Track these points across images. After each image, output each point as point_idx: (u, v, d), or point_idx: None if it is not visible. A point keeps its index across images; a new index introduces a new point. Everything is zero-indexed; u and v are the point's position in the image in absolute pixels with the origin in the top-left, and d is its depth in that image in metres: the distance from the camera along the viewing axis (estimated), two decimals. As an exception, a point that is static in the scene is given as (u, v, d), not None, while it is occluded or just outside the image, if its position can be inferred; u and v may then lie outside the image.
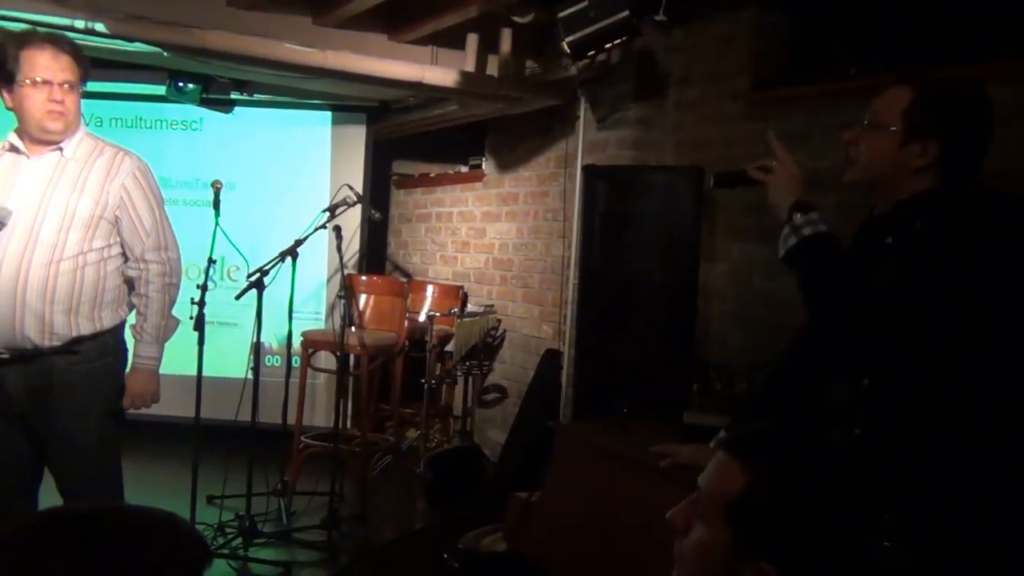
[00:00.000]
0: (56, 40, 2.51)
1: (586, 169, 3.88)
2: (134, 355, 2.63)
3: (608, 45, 3.70)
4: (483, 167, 5.55)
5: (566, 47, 3.67)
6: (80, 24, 3.58)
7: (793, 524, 1.02)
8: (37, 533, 0.88)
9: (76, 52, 2.52)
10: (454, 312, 4.84)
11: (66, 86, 2.46)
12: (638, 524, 2.29)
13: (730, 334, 3.61)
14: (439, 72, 4.35)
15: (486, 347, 5.07)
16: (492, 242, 5.41)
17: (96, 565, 0.84)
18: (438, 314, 4.52)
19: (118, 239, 2.58)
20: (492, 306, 5.19)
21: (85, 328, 2.52)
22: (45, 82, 2.44)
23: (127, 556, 0.86)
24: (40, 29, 2.62)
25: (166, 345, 2.69)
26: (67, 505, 0.90)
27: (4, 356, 2.50)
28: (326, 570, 3.66)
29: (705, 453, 1.61)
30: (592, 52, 3.76)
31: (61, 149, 2.52)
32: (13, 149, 2.53)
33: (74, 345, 2.52)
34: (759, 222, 3.48)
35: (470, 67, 4.43)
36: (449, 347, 4.84)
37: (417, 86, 4.43)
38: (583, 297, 3.76)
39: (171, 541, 0.92)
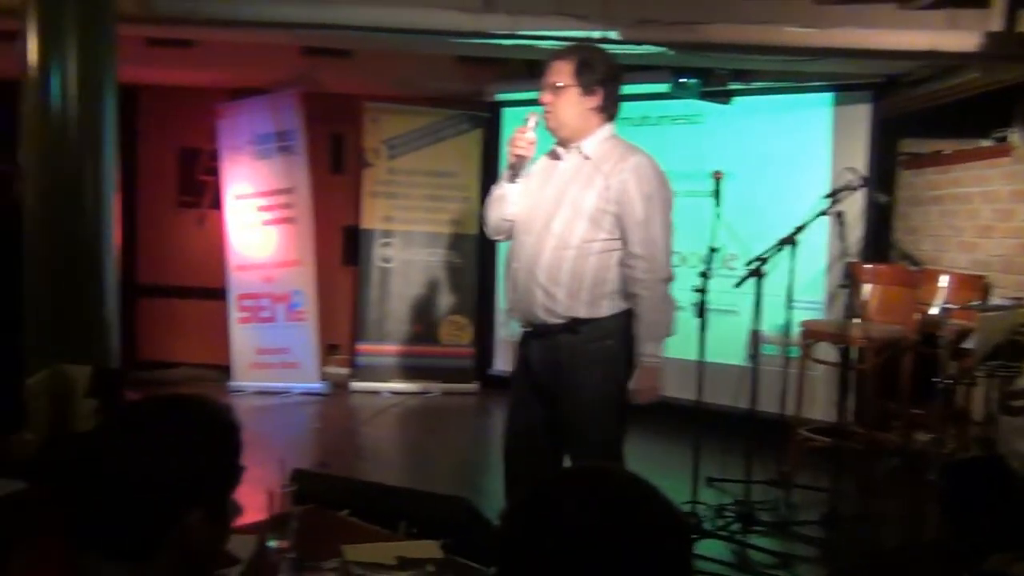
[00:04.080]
0: (560, 50, 2.84)
1: None
2: (638, 352, 2.77)
3: None
4: (1010, 140, 4.84)
5: None
6: (596, 35, 3.93)
7: None
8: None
9: (576, 59, 2.77)
10: (974, 305, 4.30)
11: (549, 89, 2.76)
12: None
13: None
14: (957, 37, 3.91)
15: (1014, 346, 4.43)
16: (1022, 225, 4.70)
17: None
18: (954, 307, 4.06)
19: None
20: (1023, 299, 4.51)
21: (583, 312, 2.75)
22: (542, 89, 2.80)
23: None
24: (559, 44, 2.94)
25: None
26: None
27: (528, 329, 2.88)
28: (824, 568, 3.55)
29: None
30: None
31: (581, 149, 2.80)
32: (554, 153, 2.90)
33: (575, 325, 2.77)
34: None
35: (996, 26, 3.89)
36: (968, 344, 4.33)
37: (930, 55, 4.04)
38: None
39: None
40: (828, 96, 5.28)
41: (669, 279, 2.78)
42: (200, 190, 6.93)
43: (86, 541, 1.22)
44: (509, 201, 2.89)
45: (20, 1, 3.46)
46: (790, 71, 4.87)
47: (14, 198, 3.67)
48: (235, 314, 6.43)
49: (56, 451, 2.36)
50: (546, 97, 2.79)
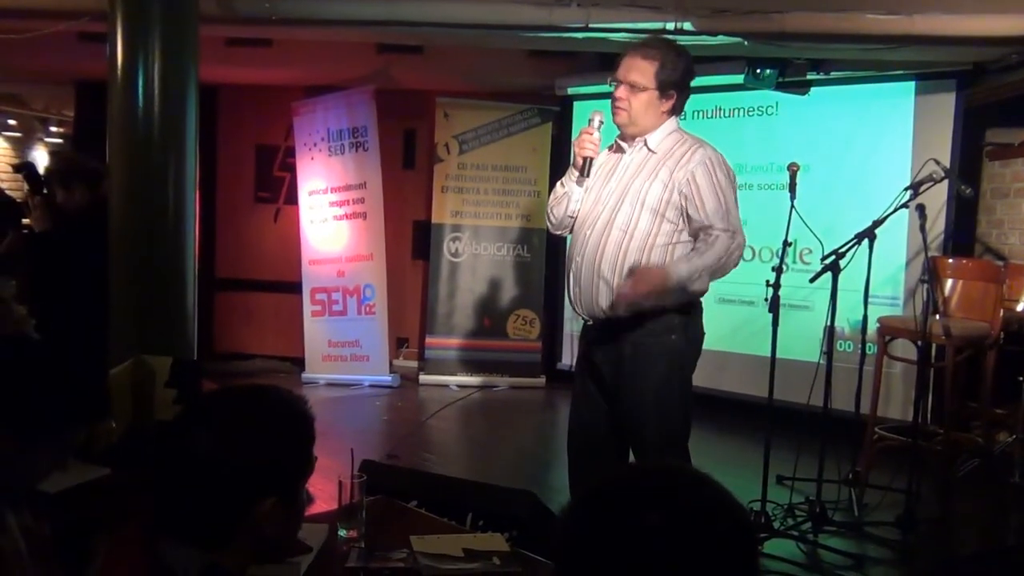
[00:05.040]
0: (637, 46, 2.78)
1: None
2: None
3: None
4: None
5: None
6: (670, 26, 3.88)
7: None
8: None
9: (658, 61, 2.71)
10: (1065, 301, 4.13)
11: (626, 85, 2.72)
12: None
13: None
14: (1051, 22, 3.73)
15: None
16: (1119, 218, 4.48)
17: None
18: (1043, 303, 3.90)
19: (687, 224, 2.72)
20: (1118, 295, 4.30)
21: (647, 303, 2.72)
22: (618, 81, 2.75)
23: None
24: (632, 37, 2.90)
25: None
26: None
27: (589, 323, 2.86)
28: (899, 571, 3.45)
29: None
30: None
31: (646, 143, 2.77)
32: (618, 147, 2.88)
33: (640, 319, 2.73)
34: None
35: (1094, 10, 3.71)
36: (1057, 342, 4.15)
37: (1021, 41, 3.87)
38: None
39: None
40: (910, 85, 5.11)
41: (737, 261, 2.72)
42: (276, 186, 7.09)
43: (163, 526, 1.27)
44: (573, 199, 2.88)
45: (108, 5, 3.59)
46: (870, 60, 4.72)
47: (101, 194, 3.82)
48: (308, 307, 6.57)
49: (137, 439, 2.45)
50: (620, 92, 2.76)
